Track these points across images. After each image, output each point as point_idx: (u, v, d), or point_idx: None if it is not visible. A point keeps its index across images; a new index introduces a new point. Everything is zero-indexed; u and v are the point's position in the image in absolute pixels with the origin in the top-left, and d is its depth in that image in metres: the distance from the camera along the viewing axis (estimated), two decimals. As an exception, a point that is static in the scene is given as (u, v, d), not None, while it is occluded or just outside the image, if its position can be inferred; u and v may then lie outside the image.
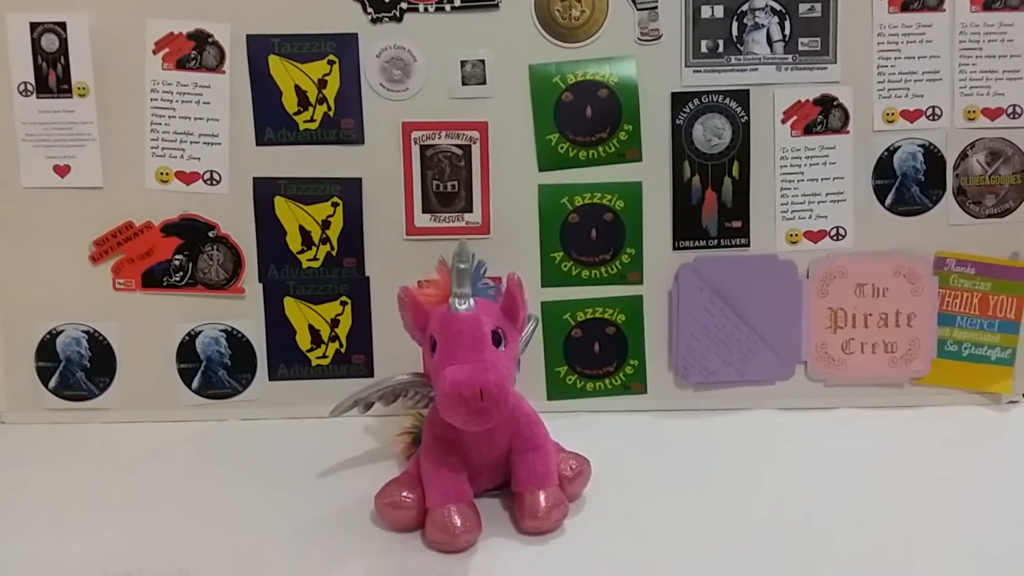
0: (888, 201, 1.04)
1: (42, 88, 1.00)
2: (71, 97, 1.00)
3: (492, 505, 0.83)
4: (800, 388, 1.05)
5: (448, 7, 1.00)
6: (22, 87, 1.00)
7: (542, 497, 0.79)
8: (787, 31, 1.01)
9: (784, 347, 1.04)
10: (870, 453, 0.94)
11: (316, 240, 1.03)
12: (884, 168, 1.03)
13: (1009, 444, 0.97)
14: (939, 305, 1.05)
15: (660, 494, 0.85)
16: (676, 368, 1.05)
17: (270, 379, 1.04)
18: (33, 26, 0.99)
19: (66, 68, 1.00)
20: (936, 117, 1.03)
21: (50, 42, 0.99)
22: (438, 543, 0.76)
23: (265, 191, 1.02)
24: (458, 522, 0.76)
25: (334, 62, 1.00)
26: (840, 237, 1.04)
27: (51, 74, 1.00)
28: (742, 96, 1.02)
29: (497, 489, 0.84)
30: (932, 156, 1.03)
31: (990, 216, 1.04)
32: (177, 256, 1.02)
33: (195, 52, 1.00)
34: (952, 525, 0.79)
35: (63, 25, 0.99)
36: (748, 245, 1.04)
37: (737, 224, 1.03)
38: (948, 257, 1.04)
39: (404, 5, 0.99)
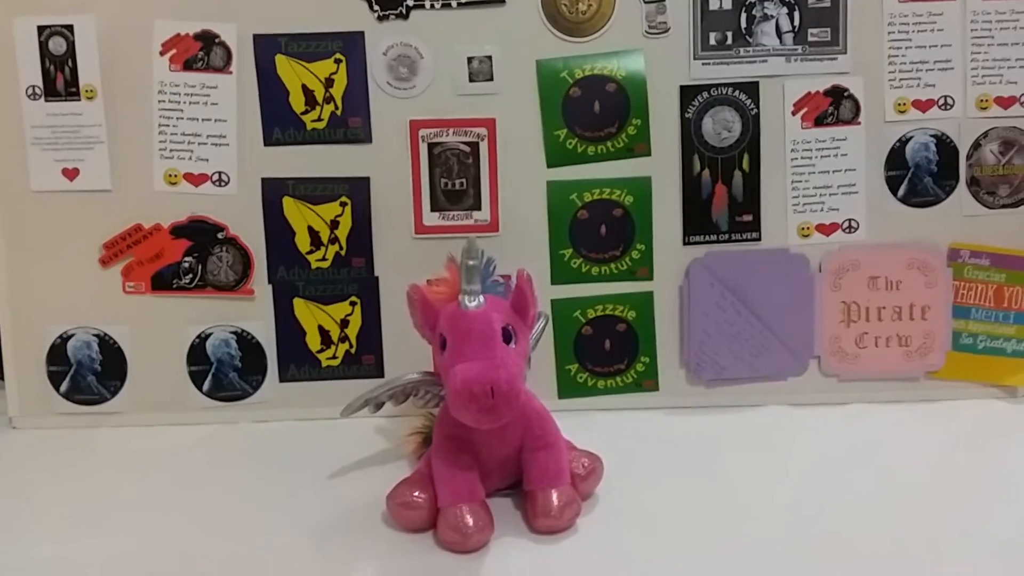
0: (901, 192, 1.03)
1: (50, 91, 1.00)
2: (79, 100, 1.00)
3: (504, 504, 0.82)
4: (813, 383, 1.04)
5: (454, 3, 0.99)
6: (30, 90, 1.00)
7: (554, 496, 0.79)
8: (796, 22, 1.00)
9: (797, 342, 1.04)
10: (885, 448, 0.93)
11: (325, 240, 1.02)
12: (896, 159, 1.02)
13: (1026, 437, 0.96)
14: (954, 297, 1.04)
15: (673, 491, 0.85)
16: (688, 365, 1.04)
17: (280, 380, 1.04)
18: (40, 29, 0.99)
19: (74, 71, 1.00)
20: (948, 107, 1.02)
21: (57, 45, 0.99)
22: (450, 543, 0.76)
23: (273, 191, 1.02)
24: (470, 521, 0.76)
25: (341, 61, 1.00)
26: (852, 230, 1.03)
27: (59, 77, 1.00)
28: (751, 88, 1.01)
29: (509, 488, 0.84)
30: (945, 146, 1.02)
31: (1004, 206, 1.03)
32: (186, 258, 1.02)
33: (202, 53, 1.00)
34: (970, 519, 0.79)
35: (70, 28, 0.99)
36: (759, 239, 1.03)
37: (748, 218, 1.02)
38: (962, 248, 1.03)
39: (410, 2, 0.99)
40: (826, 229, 1.03)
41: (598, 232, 1.03)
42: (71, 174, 1.01)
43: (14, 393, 1.04)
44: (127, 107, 1.00)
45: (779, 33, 1.00)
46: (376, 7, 0.99)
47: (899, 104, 1.01)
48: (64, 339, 1.03)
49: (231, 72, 1.00)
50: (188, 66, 1.00)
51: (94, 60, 0.99)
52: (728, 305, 1.03)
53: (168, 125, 1.01)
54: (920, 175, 1.02)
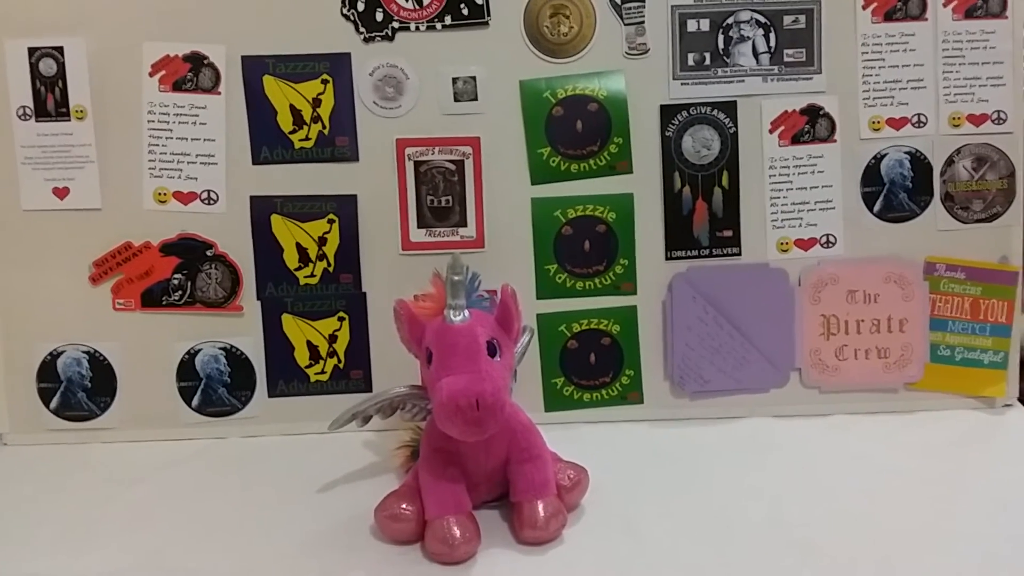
0: (877, 208, 1.05)
1: (40, 112, 1.01)
2: (69, 120, 1.01)
3: (491, 516, 0.83)
4: (795, 395, 1.06)
5: (439, 25, 1.01)
6: (21, 111, 1.01)
7: (540, 507, 0.80)
8: (772, 43, 1.02)
9: (778, 354, 1.05)
10: (866, 458, 0.94)
11: (313, 257, 1.04)
12: (872, 176, 1.04)
13: (1004, 447, 0.97)
14: (931, 310, 1.05)
15: (658, 503, 0.86)
16: (672, 377, 1.06)
17: (269, 396, 1.05)
18: (31, 51, 1.00)
19: (64, 92, 1.01)
20: (922, 124, 1.04)
21: (48, 66, 1.01)
22: (437, 554, 0.77)
23: (262, 209, 1.03)
24: (457, 533, 0.76)
25: (328, 81, 1.02)
26: (830, 244, 1.05)
27: (49, 98, 1.01)
28: (730, 107, 1.03)
29: (496, 500, 0.85)
30: (919, 163, 1.04)
31: (978, 221, 1.05)
32: (176, 275, 1.03)
33: (191, 74, 1.01)
34: (950, 529, 0.80)
35: (60, 49, 1.00)
36: (739, 254, 1.05)
37: (728, 233, 1.04)
38: (938, 262, 1.05)
39: (396, 24, 1.01)
40: (804, 244, 1.05)
41: (582, 248, 1.04)
42: (61, 193, 1.02)
43: (4, 410, 1.04)
44: (117, 127, 1.01)
45: (756, 54, 1.02)
46: (362, 29, 1.01)
47: (874, 122, 1.04)
48: (54, 356, 1.04)
49: (220, 93, 1.01)
50: (177, 87, 1.01)
51: (84, 81, 1.01)
52: (710, 319, 1.04)
53: (158, 145, 1.02)
54: (895, 191, 1.04)
